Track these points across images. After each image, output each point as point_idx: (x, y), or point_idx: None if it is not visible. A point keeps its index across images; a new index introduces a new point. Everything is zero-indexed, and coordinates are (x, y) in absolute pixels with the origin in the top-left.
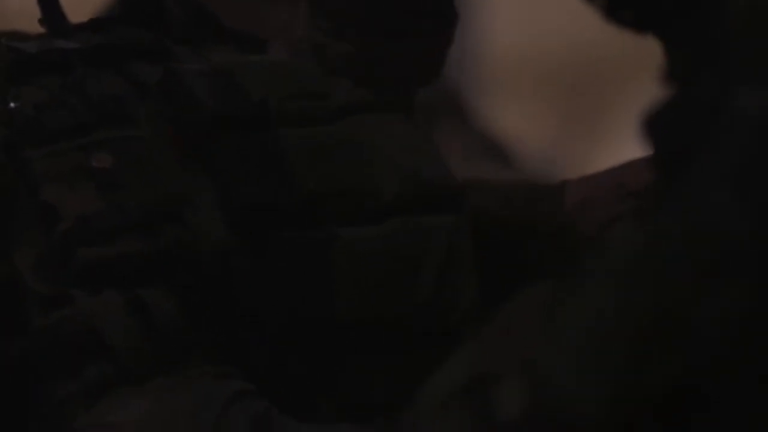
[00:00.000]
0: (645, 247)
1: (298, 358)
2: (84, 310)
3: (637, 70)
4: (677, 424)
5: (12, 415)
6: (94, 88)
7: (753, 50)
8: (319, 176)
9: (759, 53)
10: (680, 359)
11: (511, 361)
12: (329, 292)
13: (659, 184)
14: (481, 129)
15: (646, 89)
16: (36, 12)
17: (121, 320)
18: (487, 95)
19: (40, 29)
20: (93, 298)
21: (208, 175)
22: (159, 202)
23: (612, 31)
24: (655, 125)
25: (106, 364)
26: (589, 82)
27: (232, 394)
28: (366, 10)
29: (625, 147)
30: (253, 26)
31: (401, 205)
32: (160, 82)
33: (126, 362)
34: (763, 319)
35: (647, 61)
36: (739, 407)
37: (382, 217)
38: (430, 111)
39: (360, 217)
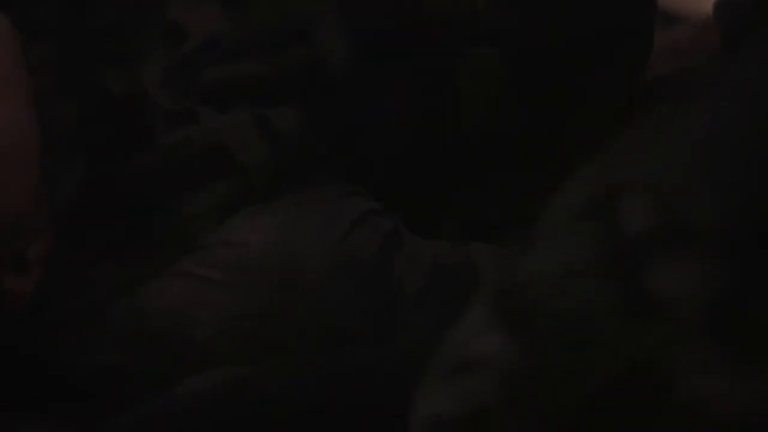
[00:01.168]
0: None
1: (422, 175)
2: (211, 126)
3: None
4: None
5: (139, 230)
6: None
7: None
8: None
9: None
10: None
11: (635, 178)
12: (454, 109)
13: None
14: None
15: None
16: None
17: (249, 136)
18: None
19: None
20: (220, 116)
21: None
22: (284, 22)
23: None
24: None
25: (233, 181)
26: None
27: (361, 212)
28: None
29: None
30: None
31: None
32: None
33: (253, 178)
34: None
35: None
36: None
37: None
38: None
39: (483, 39)
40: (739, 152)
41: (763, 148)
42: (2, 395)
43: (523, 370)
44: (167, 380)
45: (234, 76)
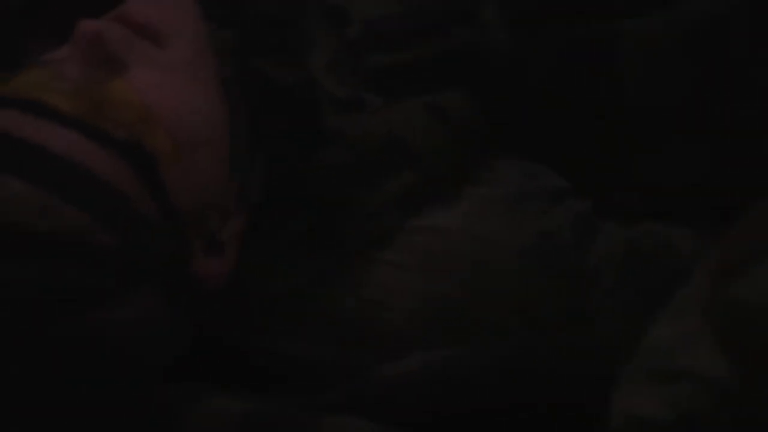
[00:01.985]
0: None
1: (590, 147)
2: (383, 116)
3: None
4: None
5: (328, 222)
6: None
7: None
8: None
9: None
10: None
11: None
12: (618, 81)
13: None
14: None
15: None
16: None
17: (423, 124)
18: None
19: None
20: (388, 104)
21: None
22: (447, 3)
23: None
24: None
25: (412, 170)
26: None
27: (550, 191)
28: None
29: None
30: None
31: None
32: None
33: (431, 166)
34: None
35: None
36: None
37: (673, 4)
38: None
39: (646, 8)
40: None
41: None
42: (194, 373)
43: (743, 392)
44: (360, 366)
45: (400, 62)
